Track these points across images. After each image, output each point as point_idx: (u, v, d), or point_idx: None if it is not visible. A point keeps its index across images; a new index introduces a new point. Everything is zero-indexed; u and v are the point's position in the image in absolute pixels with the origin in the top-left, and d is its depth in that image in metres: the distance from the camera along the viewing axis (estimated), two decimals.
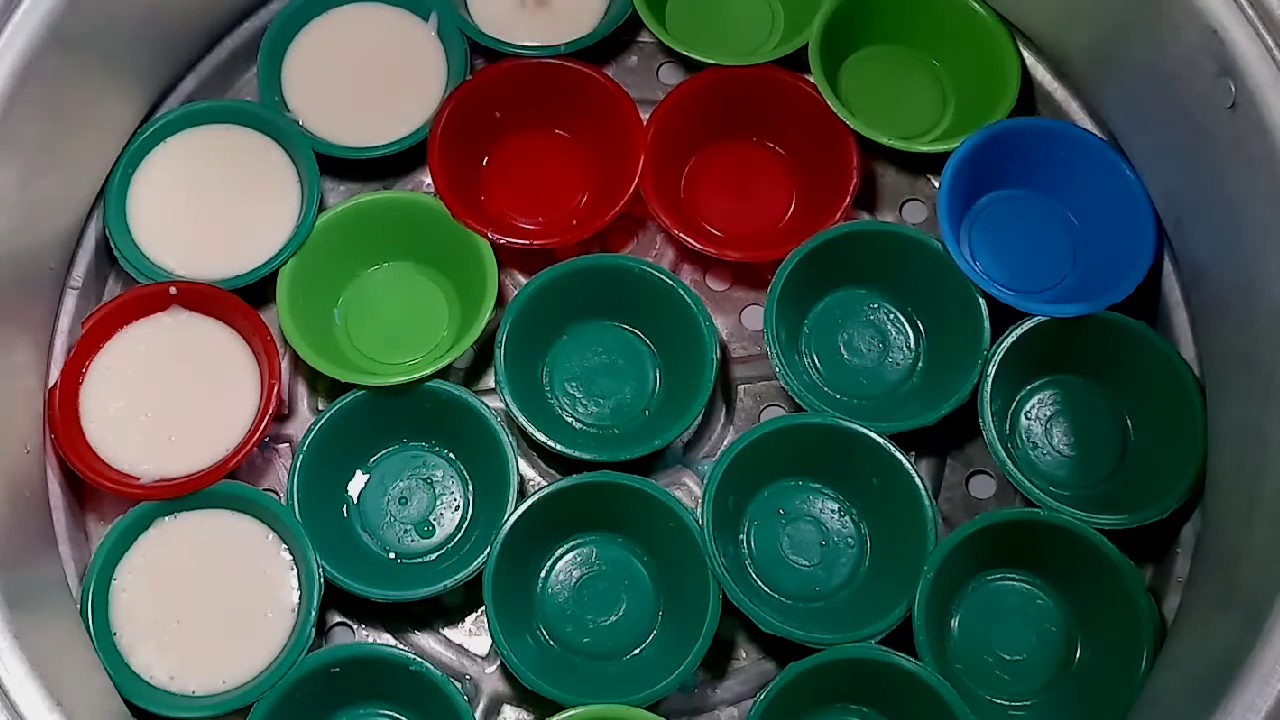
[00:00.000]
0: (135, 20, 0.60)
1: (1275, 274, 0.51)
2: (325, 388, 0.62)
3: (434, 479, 0.60)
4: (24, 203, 0.56)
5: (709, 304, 0.61)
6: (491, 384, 0.61)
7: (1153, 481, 0.57)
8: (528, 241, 0.61)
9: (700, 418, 0.60)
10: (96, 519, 0.59)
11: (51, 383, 0.58)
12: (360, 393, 0.59)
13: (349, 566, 0.56)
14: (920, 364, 0.62)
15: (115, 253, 0.61)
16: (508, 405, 0.58)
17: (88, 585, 0.55)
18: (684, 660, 0.54)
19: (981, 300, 0.59)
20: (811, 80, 0.63)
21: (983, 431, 0.57)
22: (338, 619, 0.59)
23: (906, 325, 0.62)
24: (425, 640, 0.59)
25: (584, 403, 0.61)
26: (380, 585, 0.56)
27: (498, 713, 0.58)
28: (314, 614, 0.55)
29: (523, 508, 0.56)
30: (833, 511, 0.59)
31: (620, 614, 0.58)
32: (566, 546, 0.59)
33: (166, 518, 0.57)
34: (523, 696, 0.58)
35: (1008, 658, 0.57)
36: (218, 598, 0.56)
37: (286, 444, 0.61)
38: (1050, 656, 0.57)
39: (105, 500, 0.59)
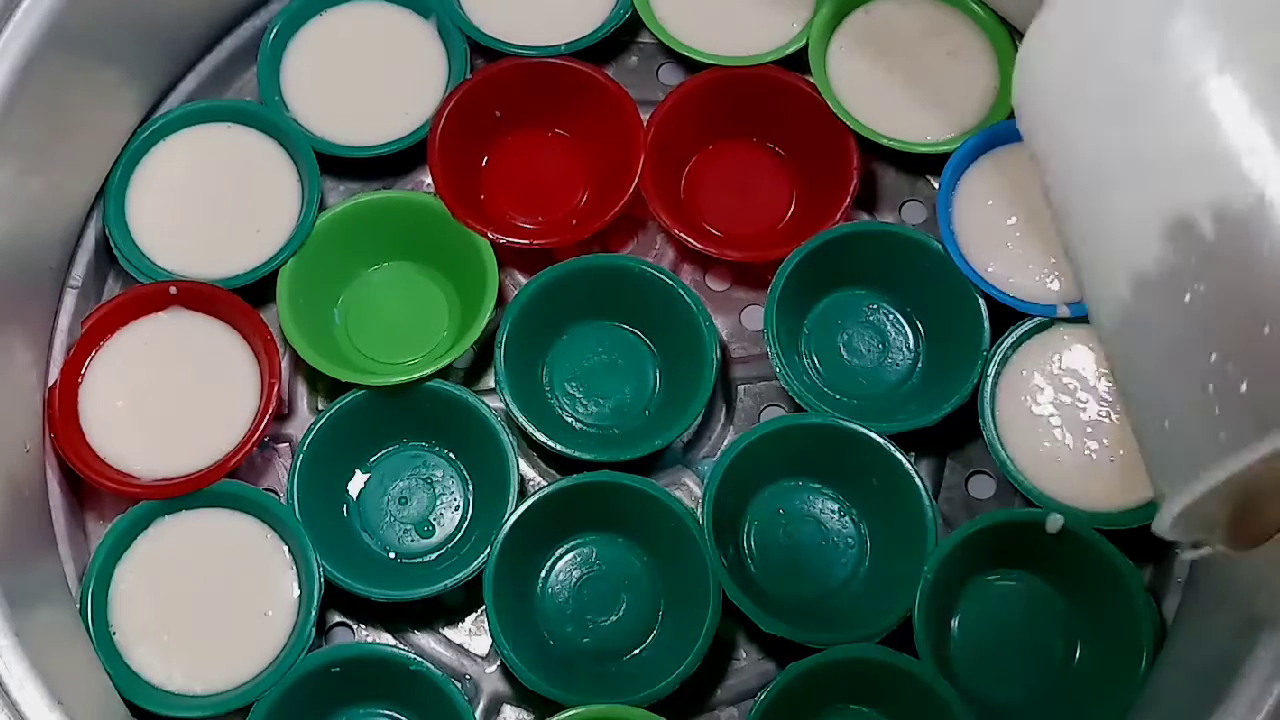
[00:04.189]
0: (135, 20, 0.60)
1: None
2: (325, 387, 0.62)
3: (434, 479, 0.60)
4: (24, 201, 0.56)
5: (709, 304, 0.61)
6: (491, 384, 0.61)
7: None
8: (528, 241, 0.61)
9: (700, 418, 0.60)
10: (96, 518, 0.59)
11: (51, 382, 0.58)
12: (360, 392, 0.59)
13: (349, 566, 0.56)
14: (920, 364, 0.62)
15: (115, 252, 0.61)
16: (508, 405, 0.58)
17: (87, 584, 0.55)
18: (684, 660, 0.54)
19: (981, 300, 0.59)
20: (811, 80, 0.63)
21: (983, 431, 0.57)
22: (338, 619, 0.59)
23: (906, 325, 0.62)
24: (425, 640, 0.59)
25: (584, 403, 0.61)
26: (380, 585, 0.56)
27: (498, 713, 0.58)
28: (314, 613, 0.55)
29: (523, 508, 0.56)
30: (833, 512, 0.59)
31: (620, 614, 0.58)
32: (566, 546, 0.59)
33: (166, 517, 0.57)
34: (523, 696, 0.58)
35: (1007, 657, 0.57)
36: (217, 597, 0.56)
37: (286, 444, 0.61)
38: (1050, 656, 0.57)
39: (105, 499, 0.59)
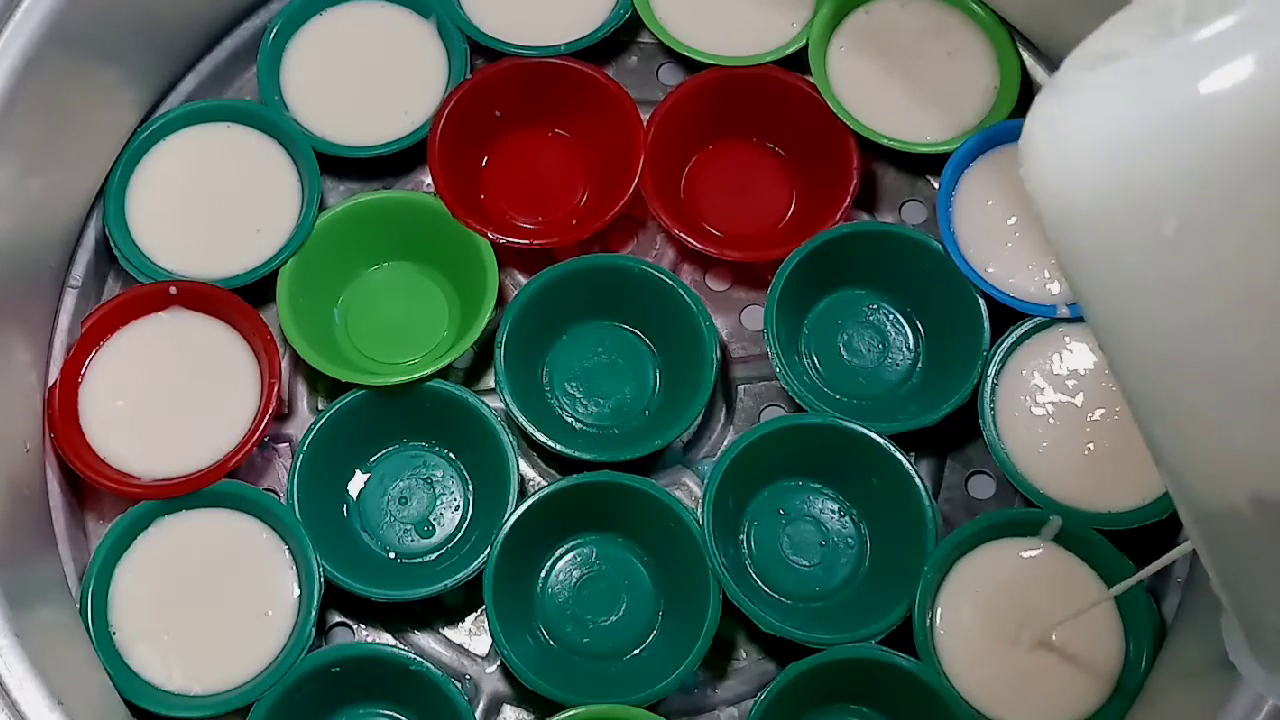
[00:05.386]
0: (135, 20, 0.60)
1: None
2: (325, 387, 0.62)
3: (434, 479, 0.60)
4: (24, 201, 0.56)
5: (709, 304, 0.61)
6: (491, 384, 0.61)
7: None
8: (528, 241, 0.61)
9: (700, 418, 0.60)
10: (96, 518, 0.59)
11: (51, 381, 0.58)
12: (360, 392, 0.59)
13: (349, 566, 0.56)
14: (920, 364, 0.62)
15: (115, 252, 0.61)
16: (508, 405, 0.58)
17: (87, 584, 0.55)
18: (684, 660, 0.54)
19: (981, 300, 0.59)
20: (811, 80, 0.63)
21: (983, 431, 0.57)
22: (338, 619, 0.59)
23: (906, 325, 0.62)
24: (425, 640, 0.59)
25: (584, 403, 0.61)
26: (380, 585, 0.56)
27: (498, 713, 0.58)
28: (314, 613, 0.55)
29: (523, 508, 0.56)
30: (833, 512, 0.59)
31: (620, 614, 0.58)
32: (566, 546, 0.59)
33: (166, 517, 0.57)
34: (523, 696, 0.58)
35: None
36: (217, 597, 0.56)
37: (286, 443, 0.61)
38: None
39: (105, 499, 0.59)
